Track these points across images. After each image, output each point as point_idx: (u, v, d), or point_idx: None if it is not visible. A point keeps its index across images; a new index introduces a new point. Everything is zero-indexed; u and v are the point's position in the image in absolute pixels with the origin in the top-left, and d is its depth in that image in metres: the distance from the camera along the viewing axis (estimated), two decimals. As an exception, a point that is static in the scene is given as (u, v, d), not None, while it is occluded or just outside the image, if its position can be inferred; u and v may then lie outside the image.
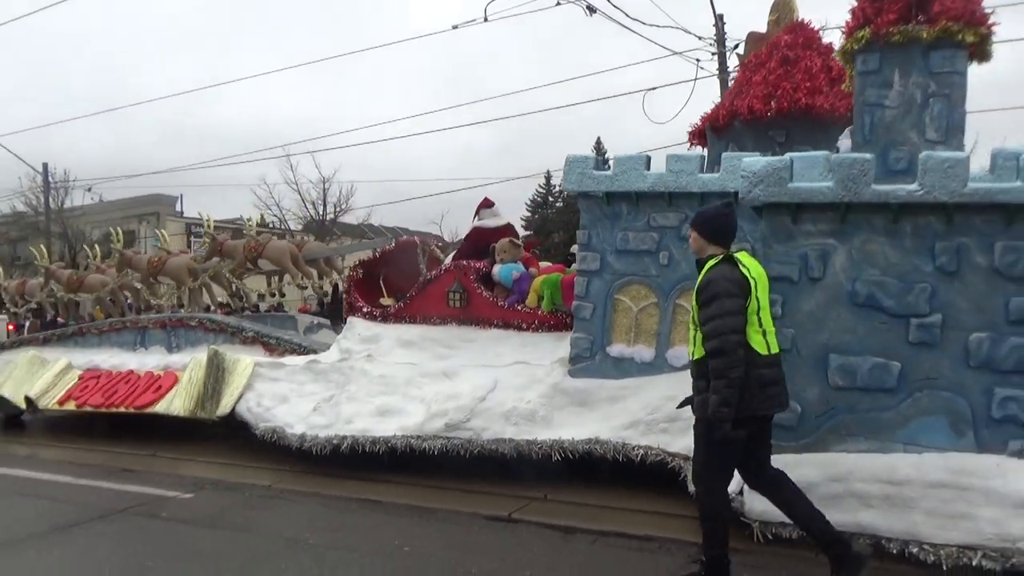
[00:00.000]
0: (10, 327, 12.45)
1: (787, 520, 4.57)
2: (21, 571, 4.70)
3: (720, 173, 5.96)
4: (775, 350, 3.89)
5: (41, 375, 9.64)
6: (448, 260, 8.43)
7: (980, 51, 4.75)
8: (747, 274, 3.83)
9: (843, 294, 4.60)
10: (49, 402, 9.31)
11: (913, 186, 4.29)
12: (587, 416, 6.32)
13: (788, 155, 4.60)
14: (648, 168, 6.36)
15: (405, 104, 68.96)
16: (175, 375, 8.67)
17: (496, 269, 7.83)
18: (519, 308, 7.50)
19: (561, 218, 35.69)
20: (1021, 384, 4.27)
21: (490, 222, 8.58)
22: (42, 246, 13.15)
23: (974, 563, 4.11)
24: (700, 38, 17.91)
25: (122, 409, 8.71)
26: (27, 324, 13.80)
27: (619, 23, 13.12)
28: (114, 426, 8.94)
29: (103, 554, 4.95)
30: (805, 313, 4.69)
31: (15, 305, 12.52)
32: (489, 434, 6.33)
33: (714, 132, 7.15)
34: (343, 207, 34.42)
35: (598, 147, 32.54)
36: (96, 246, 13.72)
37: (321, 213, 33.91)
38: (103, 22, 69.42)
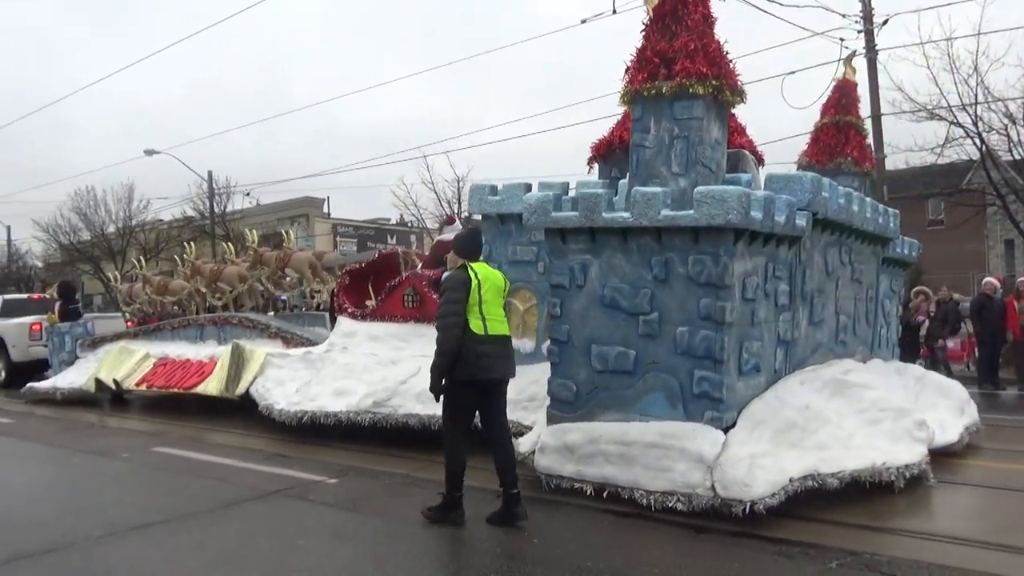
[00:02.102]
0: (129, 324, 15.21)
1: (564, 473, 5.94)
2: (184, 545, 5.02)
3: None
4: (493, 332, 5.12)
5: (127, 362, 12.22)
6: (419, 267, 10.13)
7: (718, 99, 5.84)
8: (473, 277, 5.12)
9: (597, 298, 5.87)
10: (130, 384, 11.83)
11: (627, 214, 5.52)
12: (480, 396, 7.80)
13: (551, 191, 5.92)
14: (528, 193, 7.75)
15: (535, 101, 70.80)
16: (215, 363, 10.90)
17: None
18: (458, 308, 9.04)
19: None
20: (711, 367, 5.40)
21: (450, 236, 10.18)
22: (141, 257, 15.99)
23: (671, 505, 5.31)
24: (844, 16, 16.68)
25: (175, 390, 11.07)
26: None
27: (755, 6, 13.32)
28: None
29: (257, 531, 5.29)
30: (575, 312, 5.99)
31: (127, 305, 15.40)
32: (403, 410, 7.94)
33: (601, 158, 8.37)
34: (478, 205, 35.60)
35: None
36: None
37: (456, 211, 34.77)
38: (256, 38, 76.59)
